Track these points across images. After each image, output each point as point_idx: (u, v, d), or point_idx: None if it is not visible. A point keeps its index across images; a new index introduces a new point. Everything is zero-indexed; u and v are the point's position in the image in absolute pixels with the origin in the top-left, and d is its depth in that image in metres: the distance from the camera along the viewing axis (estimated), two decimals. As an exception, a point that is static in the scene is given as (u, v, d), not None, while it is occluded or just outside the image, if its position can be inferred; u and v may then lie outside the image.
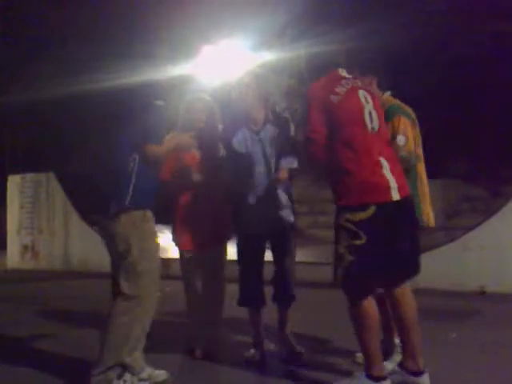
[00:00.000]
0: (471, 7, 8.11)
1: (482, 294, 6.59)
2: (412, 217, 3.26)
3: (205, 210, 4.02)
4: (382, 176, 3.10)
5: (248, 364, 3.94)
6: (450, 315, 5.47)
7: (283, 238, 3.93)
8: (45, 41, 9.52)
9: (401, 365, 3.24)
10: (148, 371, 3.50)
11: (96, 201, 3.60)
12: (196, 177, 4.01)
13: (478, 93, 9.15)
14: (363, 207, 3.06)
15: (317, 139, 3.15)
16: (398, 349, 3.62)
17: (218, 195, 4.05)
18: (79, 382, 3.41)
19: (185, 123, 4.13)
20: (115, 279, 3.42)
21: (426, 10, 8.14)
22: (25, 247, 11.24)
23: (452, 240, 7.39)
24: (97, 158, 3.89)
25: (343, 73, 3.30)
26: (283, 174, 3.86)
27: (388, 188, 3.09)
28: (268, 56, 7.53)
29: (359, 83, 3.30)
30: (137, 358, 3.44)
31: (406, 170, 3.38)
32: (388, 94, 3.82)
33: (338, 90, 3.18)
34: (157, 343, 4.08)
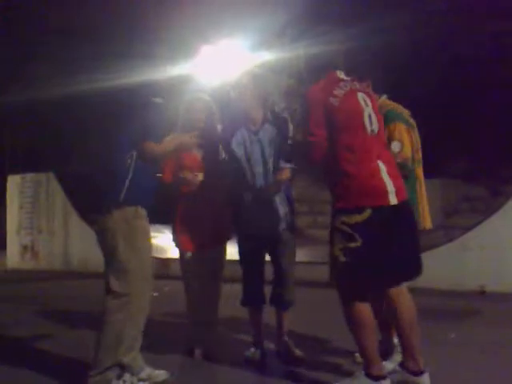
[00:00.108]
0: (471, 7, 8.11)
1: (481, 293, 6.59)
2: (410, 220, 3.26)
3: (205, 211, 4.01)
4: (380, 179, 3.10)
5: (248, 364, 3.94)
6: (450, 315, 5.47)
7: (281, 240, 3.92)
8: (45, 41, 9.52)
9: (401, 365, 3.24)
10: (147, 371, 3.50)
11: (92, 198, 3.60)
12: (197, 178, 4.00)
13: (477, 93, 9.15)
14: (359, 210, 3.06)
15: (317, 142, 3.15)
16: (398, 348, 3.62)
17: (218, 196, 4.05)
18: (78, 383, 3.40)
19: (185, 123, 4.13)
20: (106, 277, 3.42)
21: (426, 10, 8.14)
22: (24, 247, 11.24)
23: (451, 240, 7.39)
24: (96, 156, 3.90)
25: (341, 75, 3.29)
26: (285, 174, 3.87)
27: (385, 192, 3.09)
28: (267, 56, 7.54)
29: (357, 85, 3.29)
30: (136, 357, 3.44)
31: (404, 176, 3.36)
32: (384, 97, 3.81)
33: (337, 92, 3.18)
34: (156, 343, 4.08)
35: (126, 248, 3.34)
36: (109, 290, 3.37)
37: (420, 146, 3.86)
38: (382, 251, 3.06)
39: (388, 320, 3.49)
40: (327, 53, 3.44)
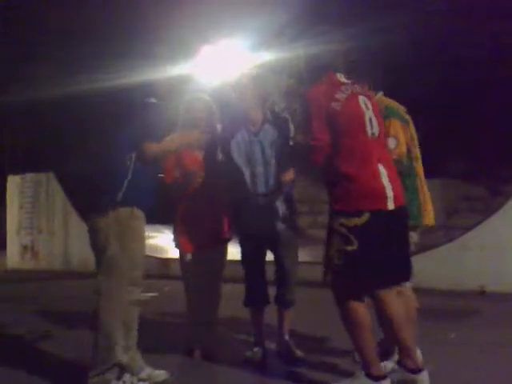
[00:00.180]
0: (471, 7, 8.11)
1: (481, 293, 6.58)
2: (405, 224, 3.28)
3: (205, 211, 4.01)
4: (380, 183, 3.11)
5: (247, 364, 3.94)
6: (450, 315, 5.47)
7: (283, 240, 3.93)
8: (44, 41, 9.53)
9: (399, 362, 3.25)
10: (147, 371, 3.50)
11: (91, 197, 3.60)
12: (199, 178, 4.00)
13: (477, 93, 9.16)
14: (358, 213, 3.07)
15: (320, 146, 3.15)
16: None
17: (218, 196, 4.05)
18: (78, 383, 3.40)
19: (185, 123, 4.13)
20: (97, 276, 3.43)
21: (426, 10, 8.14)
22: (24, 247, 11.24)
23: (451, 240, 7.39)
24: (95, 157, 3.90)
25: (341, 78, 3.29)
26: (289, 175, 3.88)
27: (384, 197, 3.10)
28: (267, 56, 7.54)
29: (358, 88, 3.29)
30: (135, 357, 3.44)
31: (399, 172, 3.37)
32: (380, 94, 3.81)
33: (338, 96, 3.17)
34: (156, 343, 4.08)
35: (117, 248, 3.34)
36: (98, 290, 3.37)
37: (417, 141, 3.86)
38: (377, 255, 3.08)
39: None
40: (327, 53, 3.44)
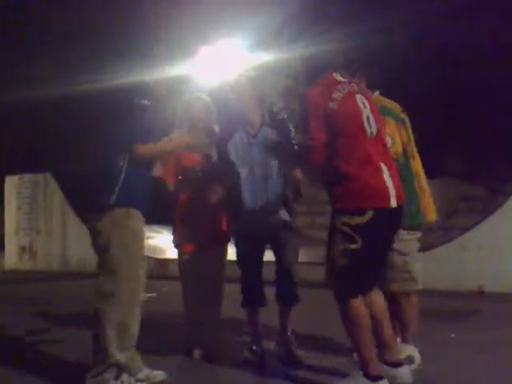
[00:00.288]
0: (471, 7, 8.12)
1: (480, 293, 6.59)
2: (399, 224, 3.30)
3: (205, 212, 4.00)
4: (382, 182, 3.12)
5: (246, 364, 3.93)
6: (449, 315, 5.47)
7: (283, 239, 3.93)
8: (44, 41, 9.52)
9: (379, 358, 3.27)
10: (145, 372, 3.49)
11: (87, 197, 3.60)
12: (199, 176, 3.99)
13: (476, 93, 9.16)
14: (361, 212, 3.07)
15: (316, 146, 3.15)
16: (398, 348, 3.63)
17: (217, 197, 4.03)
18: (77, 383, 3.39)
19: (183, 123, 4.12)
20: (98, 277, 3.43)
21: (426, 10, 8.14)
22: (22, 248, 11.23)
23: (450, 240, 7.39)
24: (91, 157, 3.89)
25: (338, 77, 3.29)
26: (298, 174, 3.90)
27: (387, 194, 3.11)
28: (265, 56, 7.53)
29: (355, 87, 3.29)
30: (133, 358, 3.43)
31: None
32: (377, 93, 3.80)
33: (335, 95, 3.17)
34: (154, 343, 4.08)
35: (116, 249, 3.34)
36: (98, 290, 3.37)
37: (413, 140, 3.85)
38: (379, 253, 3.10)
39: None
40: (325, 53, 3.43)
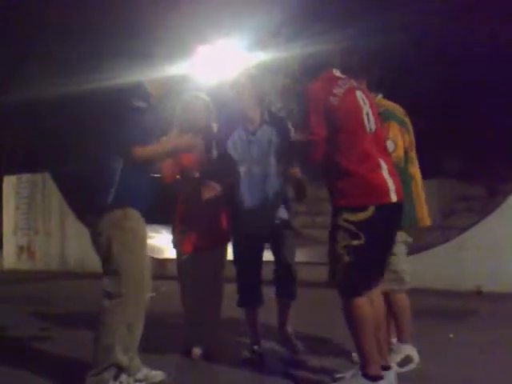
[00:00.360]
0: (471, 7, 8.12)
1: (478, 293, 6.59)
2: (399, 220, 3.29)
3: (205, 212, 3.99)
4: (382, 177, 3.13)
5: (246, 364, 3.93)
6: (447, 315, 5.47)
7: (281, 238, 3.93)
8: (43, 41, 9.52)
9: None
10: (144, 372, 3.48)
11: (85, 199, 3.60)
12: (196, 176, 3.98)
13: (475, 93, 9.17)
14: (362, 208, 3.07)
15: (317, 141, 3.14)
16: (395, 348, 3.64)
17: (216, 196, 4.02)
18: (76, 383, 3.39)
19: (181, 123, 4.12)
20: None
21: (426, 10, 8.14)
22: (21, 248, 11.22)
23: (448, 240, 7.39)
24: (88, 157, 3.88)
25: (337, 73, 3.30)
26: (297, 172, 3.88)
27: (387, 190, 3.12)
28: (263, 56, 7.53)
29: (354, 83, 3.30)
30: (133, 358, 3.42)
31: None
32: (380, 96, 3.80)
33: (336, 91, 3.17)
34: (153, 343, 4.07)
35: (117, 249, 3.34)
36: (104, 291, 3.37)
37: (414, 144, 3.86)
38: (382, 249, 3.10)
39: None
40: (323, 52, 3.44)
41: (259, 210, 3.86)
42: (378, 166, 3.13)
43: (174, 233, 4.17)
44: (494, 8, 8.08)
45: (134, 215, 3.41)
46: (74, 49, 9.10)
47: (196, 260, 4.03)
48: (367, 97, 3.29)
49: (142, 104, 3.43)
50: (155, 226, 9.27)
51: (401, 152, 3.64)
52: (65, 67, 9.03)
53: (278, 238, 3.93)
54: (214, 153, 4.04)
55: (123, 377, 3.35)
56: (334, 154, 3.14)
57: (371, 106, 3.25)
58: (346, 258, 3.08)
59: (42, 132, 10.91)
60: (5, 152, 12.09)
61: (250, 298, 3.98)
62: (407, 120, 3.83)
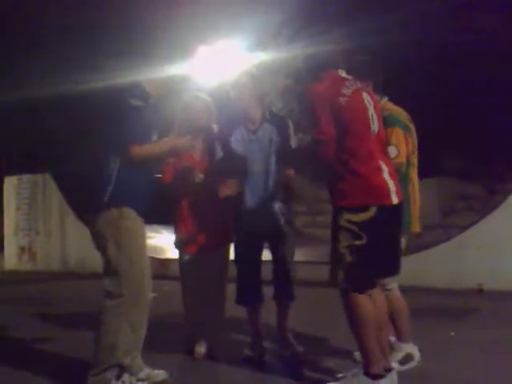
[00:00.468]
0: (471, 7, 8.12)
1: (479, 292, 6.59)
2: (401, 221, 3.32)
3: (207, 212, 4.00)
4: (383, 179, 3.15)
5: (247, 363, 3.94)
6: (448, 314, 5.47)
7: (282, 236, 3.94)
8: (42, 41, 9.51)
9: None
10: (146, 371, 3.49)
11: (84, 198, 3.61)
12: (198, 177, 3.98)
13: (475, 92, 9.17)
14: (364, 208, 3.09)
15: (326, 140, 3.14)
16: (396, 346, 3.64)
17: (219, 196, 4.02)
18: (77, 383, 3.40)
19: (182, 123, 4.12)
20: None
21: (426, 10, 8.14)
22: (22, 249, 11.23)
23: (449, 239, 7.40)
24: (86, 157, 3.88)
25: (343, 74, 3.31)
26: (290, 172, 3.91)
27: (388, 191, 3.14)
28: (264, 56, 7.53)
29: (359, 84, 3.31)
30: (135, 358, 3.43)
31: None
32: (385, 99, 3.80)
33: (345, 91, 3.18)
34: (155, 343, 4.08)
35: (114, 249, 3.34)
36: (105, 291, 3.37)
37: (416, 149, 3.87)
38: (384, 249, 3.12)
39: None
40: (324, 52, 3.44)
41: (260, 209, 3.87)
42: (379, 168, 3.15)
43: (176, 233, 4.18)
44: (493, 8, 8.08)
45: (131, 214, 3.41)
46: (73, 49, 9.10)
47: (200, 260, 4.03)
48: (372, 98, 3.31)
49: (140, 103, 3.44)
50: (155, 226, 9.30)
51: (403, 158, 3.65)
52: (65, 67, 9.03)
53: (278, 236, 3.94)
54: (219, 153, 4.04)
55: (125, 376, 3.35)
56: (338, 153, 3.15)
57: (375, 108, 3.28)
58: (349, 258, 3.10)
59: (42, 132, 10.90)
60: (5, 153, 12.08)
61: (250, 296, 3.99)
62: (411, 126, 3.83)
